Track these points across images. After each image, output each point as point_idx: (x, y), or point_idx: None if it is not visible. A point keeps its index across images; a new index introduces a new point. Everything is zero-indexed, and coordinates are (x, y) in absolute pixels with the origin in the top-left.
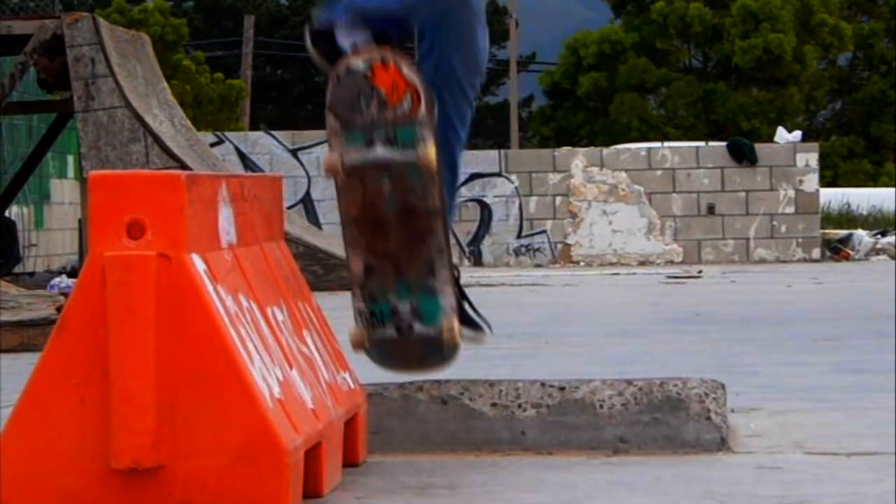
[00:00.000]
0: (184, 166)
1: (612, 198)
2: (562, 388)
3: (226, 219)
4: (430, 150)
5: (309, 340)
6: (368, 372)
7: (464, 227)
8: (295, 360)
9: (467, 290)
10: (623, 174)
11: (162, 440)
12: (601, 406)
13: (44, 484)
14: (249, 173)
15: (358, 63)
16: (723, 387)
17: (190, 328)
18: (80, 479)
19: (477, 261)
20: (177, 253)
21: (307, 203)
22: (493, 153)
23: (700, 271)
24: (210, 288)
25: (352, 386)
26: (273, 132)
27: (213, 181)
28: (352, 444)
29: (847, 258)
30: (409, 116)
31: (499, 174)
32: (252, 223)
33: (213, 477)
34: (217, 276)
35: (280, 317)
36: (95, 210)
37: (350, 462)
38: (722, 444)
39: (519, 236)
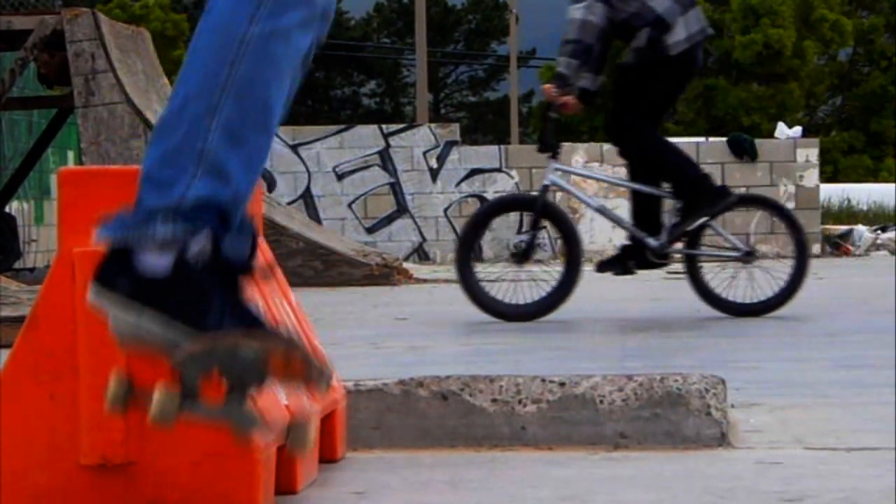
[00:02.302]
0: None
1: (613, 193)
2: (562, 384)
3: None
4: None
5: None
6: (369, 368)
7: (463, 223)
8: None
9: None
10: (624, 170)
11: (132, 436)
12: (602, 401)
13: (14, 482)
14: None
15: None
16: (723, 382)
17: None
18: (51, 477)
19: (477, 256)
20: None
21: (307, 199)
22: (494, 148)
23: (701, 267)
24: None
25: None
26: None
27: None
28: (329, 440)
29: (847, 253)
30: None
31: (499, 170)
32: None
33: (183, 473)
34: None
35: None
36: (65, 206)
37: (328, 458)
38: (722, 440)
39: (519, 231)
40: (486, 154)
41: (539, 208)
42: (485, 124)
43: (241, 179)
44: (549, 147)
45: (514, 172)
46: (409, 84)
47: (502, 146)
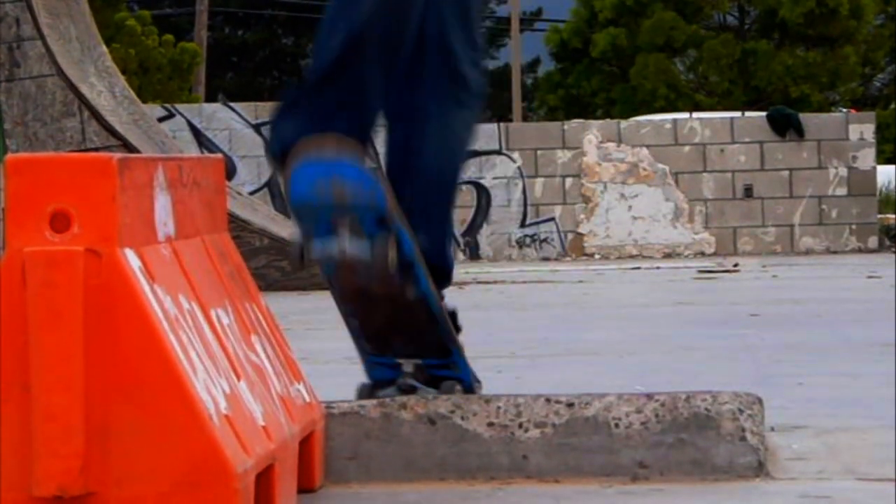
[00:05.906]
0: (127, 145)
1: (632, 179)
2: (570, 405)
3: (162, 207)
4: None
5: (258, 347)
6: (345, 388)
7: (458, 215)
8: (243, 369)
9: (463, 289)
10: (645, 151)
11: (92, 464)
12: (617, 425)
13: None
14: (190, 154)
15: None
16: (760, 401)
17: (123, 335)
18: None
19: (473, 254)
20: (108, 248)
21: (273, 187)
22: (492, 127)
23: (736, 265)
24: (146, 288)
25: (307, 399)
26: (232, 104)
27: (147, 164)
28: (307, 466)
29: None
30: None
31: (498, 152)
32: (192, 212)
33: None
34: (154, 274)
35: (226, 320)
36: (14, 199)
37: (305, 487)
38: (759, 469)
39: (522, 225)
40: (483, 133)
41: None
42: None
43: None
44: None
45: (516, 155)
46: None
47: (502, 124)
